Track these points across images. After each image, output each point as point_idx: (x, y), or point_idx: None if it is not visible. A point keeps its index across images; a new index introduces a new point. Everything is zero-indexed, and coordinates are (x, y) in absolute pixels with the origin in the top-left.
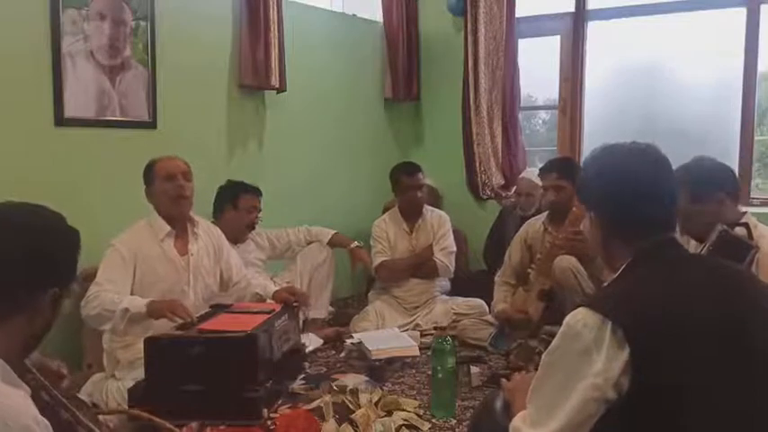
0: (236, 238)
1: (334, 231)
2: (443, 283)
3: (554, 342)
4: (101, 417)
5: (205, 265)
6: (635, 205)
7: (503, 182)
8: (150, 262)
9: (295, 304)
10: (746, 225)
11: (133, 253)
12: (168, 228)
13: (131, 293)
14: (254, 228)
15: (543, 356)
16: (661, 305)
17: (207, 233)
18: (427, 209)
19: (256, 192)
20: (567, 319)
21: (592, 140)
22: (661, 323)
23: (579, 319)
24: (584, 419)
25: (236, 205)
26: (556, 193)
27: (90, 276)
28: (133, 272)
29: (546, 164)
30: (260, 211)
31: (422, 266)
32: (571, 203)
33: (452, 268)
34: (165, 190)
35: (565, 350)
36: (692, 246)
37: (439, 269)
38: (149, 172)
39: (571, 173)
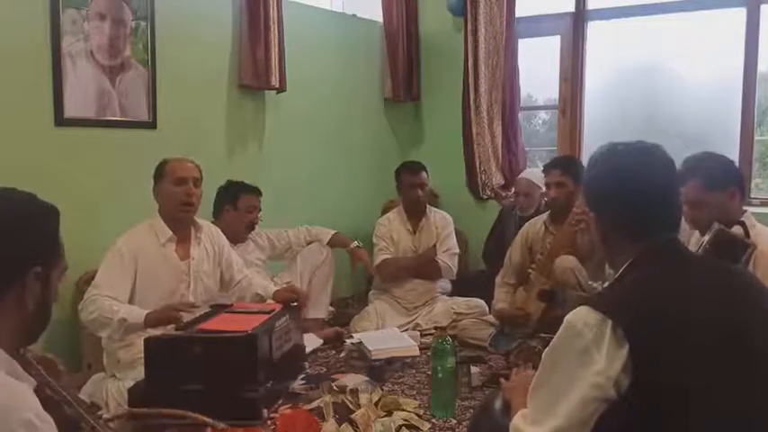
0: (235, 238)
1: (334, 231)
2: (444, 283)
3: (554, 341)
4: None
5: (205, 269)
6: (640, 205)
7: (503, 182)
8: (151, 265)
9: (294, 304)
10: (743, 223)
11: (134, 255)
12: (170, 233)
13: (130, 296)
14: (254, 228)
15: (544, 355)
16: (662, 305)
17: (208, 236)
18: (431, 209)
19: (256, 192)
20: (568, 317)
21: (592, 140)
22: (661, 322)
23: (580, 317)
24: (584, 418)
25: (236, 205)
26: (557, 189)
27: (92, 278)
28: (133, 274)
29: (550, 161)
30: (260, 210)
31: (424, 267)
32: (572, 202)
33: (455, 270)
34: (173, 194)
35: (565, 349)
36: (694, 240)
37: (442, 270)
38: (160, 170)
39: (574, 171)
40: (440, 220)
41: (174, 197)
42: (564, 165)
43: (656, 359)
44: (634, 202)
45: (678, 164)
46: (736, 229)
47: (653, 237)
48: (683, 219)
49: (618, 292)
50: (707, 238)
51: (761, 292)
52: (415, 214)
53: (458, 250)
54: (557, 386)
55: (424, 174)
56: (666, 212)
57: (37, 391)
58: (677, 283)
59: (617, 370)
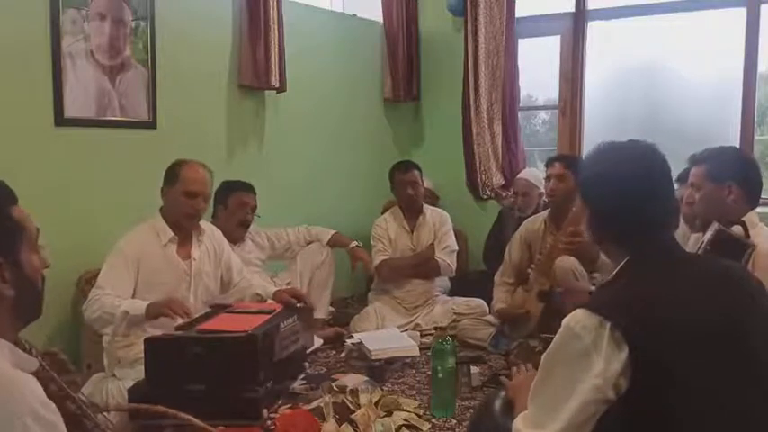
0: (231, 236)
1: (333, 231)
2: (443, 281)
3: (553, 343)
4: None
5: (206, 270)
6: (625, 207)
7: (503, 182)
8: (152, 265)
9: (300, 305)
10: (743, 223)
11: (136, 256)
12: (171, 233)
13: (133, 296)
14: (247, 225)
15: (543, 358)
16: (659, 306)
17: (209, 237)
18: (428, 208)
19: (247, 188)
20: (566, 320)
21: (592, 140)
22: (659, 324)
23: (578, 320)
24: (584, 420)
25: (226, 204)
26: (557, 182)
27: (93, 278)
28: (135, 275)
29: (555, 155)
30: (254, 207)
31: (423, 266)
32: (572, 197)
33: (454, 267)
34: (181, 204)
35: (564, 352)
36: (693, 241)
37: (441, 268)
38: (174, 175)
39: (576, 167)
40: (437, 218)
41: (181, 208)
42: (567, 159)
43: (655, 360)
44: (619, 204)
45: (676, 164)
46: (736, 229)
47: (645, 237)
48: (681, 219)
49: (614, 293)
50: (707, 237)
51: (758, 291)
52: (412, 213)
53: (456, 247)
54: (557, 389)
55: (415, 171)
56: (656, 212)
57: (41, 382)
58: (674, 283)
59: (616, 372)
